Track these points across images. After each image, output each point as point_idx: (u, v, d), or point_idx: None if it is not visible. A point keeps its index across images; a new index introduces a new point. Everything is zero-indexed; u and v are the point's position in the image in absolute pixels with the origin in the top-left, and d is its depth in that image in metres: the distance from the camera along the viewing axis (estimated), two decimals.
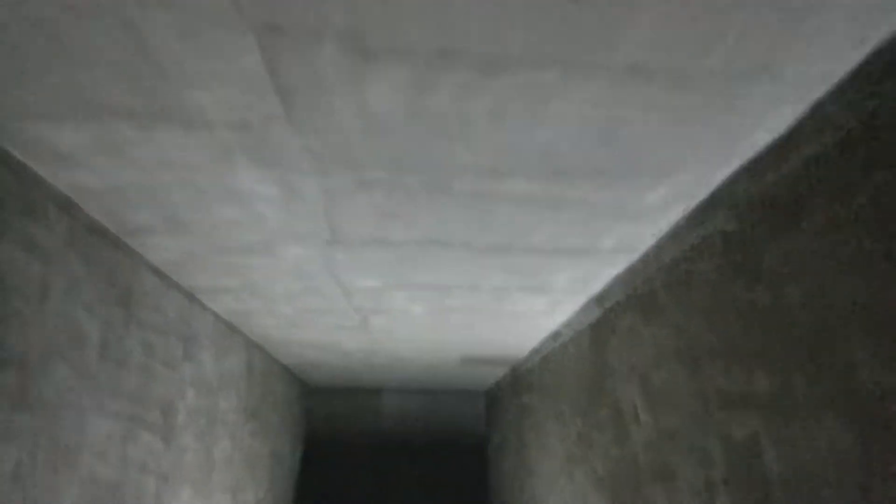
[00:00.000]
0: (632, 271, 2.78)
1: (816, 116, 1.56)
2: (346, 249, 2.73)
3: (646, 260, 2.61)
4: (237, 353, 4.40)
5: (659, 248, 2.47)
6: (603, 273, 2.96)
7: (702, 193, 2.09)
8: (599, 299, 3.23)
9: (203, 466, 3.77)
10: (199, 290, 3.38)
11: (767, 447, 1.73)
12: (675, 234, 2.30)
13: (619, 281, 2.94)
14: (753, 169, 1.83)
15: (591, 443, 3.32)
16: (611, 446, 3.00)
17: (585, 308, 3.47)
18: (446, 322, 4.10)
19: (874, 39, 1.38)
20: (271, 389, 5.61)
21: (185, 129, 1.78)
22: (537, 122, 1.73)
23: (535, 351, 4.79)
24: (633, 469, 2.71)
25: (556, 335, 4.18)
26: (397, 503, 7.94)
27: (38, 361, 2.11)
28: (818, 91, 1.55)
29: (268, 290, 3.38)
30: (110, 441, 2.60)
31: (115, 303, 2.58)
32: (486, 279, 3.13)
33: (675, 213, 2.25)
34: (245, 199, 2.23)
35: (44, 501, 2.16)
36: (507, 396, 6.39)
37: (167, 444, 3.20)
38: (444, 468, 8.07)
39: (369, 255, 2.79)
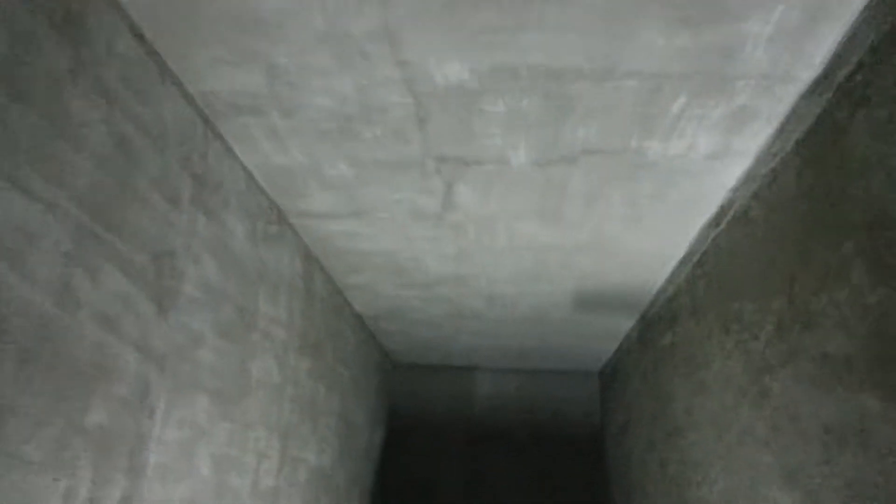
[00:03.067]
0: None
1: None
2: None
3: None
4: (289, 252, 3.40)
5: None
6: None
7: None
8: (829, 73, 1.98)
9: (230, 378, 2.75)
10: (211, 103, 2.38)
11: None
12: None
13: None
14: None
15: (811, 316, 2.04)
16: (865, 292, 1.73)
17: (791, 115, 2.23)
18: (559, 193, 2.92)
19: None
20: (340, 333, 4.59)
21: None
22: None
23: (684, 261, 3.52)
24: None
25: (720, 214, 2.93)
26: (495, 502, 6.68)
27: None
28: None
29: (304, 99, 2.34)
30: (37, 244, 1.61)
31: (44, 19, 1.61)
32: (630, 44, 1.96)
33: None
34: None
35: None
36: (632, 360, 5.09)
37: (162, 312, 2.20)
38: (550, 462, 6.77)
39: None
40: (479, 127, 2.46)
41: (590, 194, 2.94)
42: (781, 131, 2.30)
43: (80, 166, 1.76)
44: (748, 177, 2.61)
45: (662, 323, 4.04)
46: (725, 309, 2.88)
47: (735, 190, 2.75)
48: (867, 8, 1.77)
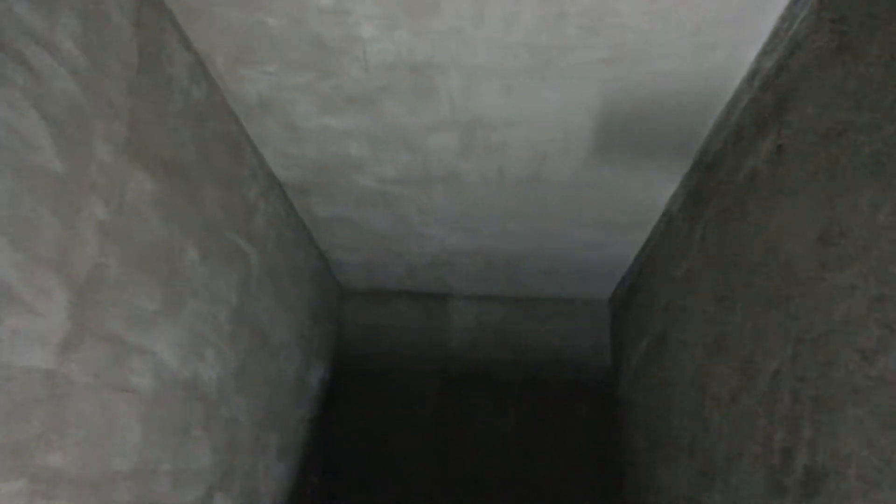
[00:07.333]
0: None
1: None
2: None
3: None
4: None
5: None
6: None
7: None
8: None
9: None
10: None
11: None
12: None
13: None
14: None
15: None
16: None
17: None
18: None
19: None
20: (237, 183, 2.99)
21: None
22: None
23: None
24: None
25: None
26: (475, 464, 5.13)
27: None
28: None
29: None
30: None
31: None
32: None
33: None
34: None
35: None
36: (674, 246, 3.58)
37: None
38: (546, 412, 5.24)
39: None
40: None
41: None
42: None
43: None
44: None
45: (748, 136, 2.50)
46: None
47: None
48: None
